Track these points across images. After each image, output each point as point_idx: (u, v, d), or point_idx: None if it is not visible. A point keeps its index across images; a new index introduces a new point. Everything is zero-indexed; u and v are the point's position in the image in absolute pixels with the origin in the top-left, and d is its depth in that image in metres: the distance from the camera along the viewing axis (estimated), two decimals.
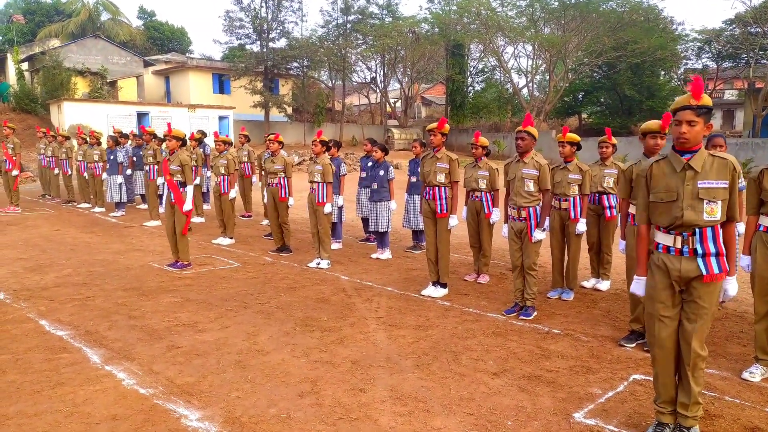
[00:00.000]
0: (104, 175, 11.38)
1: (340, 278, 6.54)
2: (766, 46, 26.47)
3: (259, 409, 3.30)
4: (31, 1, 40.19)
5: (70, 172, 13.10)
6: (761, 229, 3.88)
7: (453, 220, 5.76)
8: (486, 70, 38.48)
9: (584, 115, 35.80)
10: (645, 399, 3.48)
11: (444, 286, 5.89)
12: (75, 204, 12.73)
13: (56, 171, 13.24)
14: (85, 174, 12.01)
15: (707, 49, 30.71)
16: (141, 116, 24.67)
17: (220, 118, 27.12)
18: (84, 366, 3.88)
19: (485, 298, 5.77)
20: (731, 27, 28.51)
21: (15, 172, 11.52)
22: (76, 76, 26.98)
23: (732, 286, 2.96)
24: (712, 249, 2.84)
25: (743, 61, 28.87)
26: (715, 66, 31.09)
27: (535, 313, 5.14)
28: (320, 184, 6.97)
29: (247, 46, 31.37)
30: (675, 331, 2.95)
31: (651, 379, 3.77)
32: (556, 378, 3.79)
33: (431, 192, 5.77)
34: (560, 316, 5.18)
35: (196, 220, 10.35)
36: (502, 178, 5.54)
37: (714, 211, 2.82)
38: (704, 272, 2.84)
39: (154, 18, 43.93)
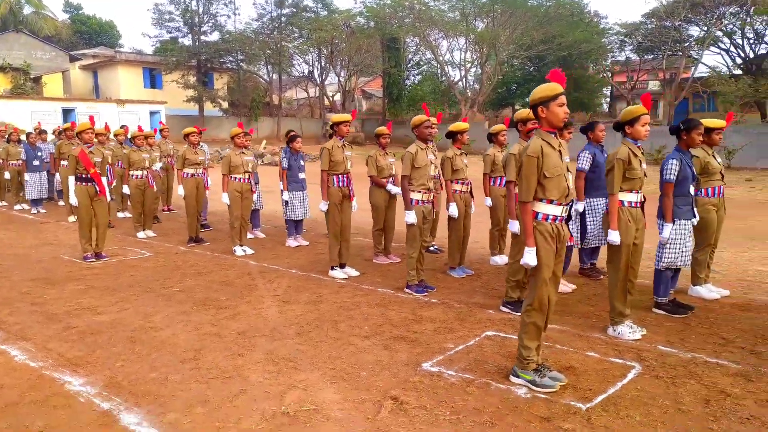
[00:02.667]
0: (27, 174, 11.16)
1: (249, 263, 6.86)
2: (678, 38, 28.20)
3: (141, 374, 3.62)
4: None
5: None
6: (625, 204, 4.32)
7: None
8: (422, 63, 39.21)
9: (517, 106, 37.07)
10: (489, 350, 3.99)
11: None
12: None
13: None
14: (7, 174, 11.66)
15: (628, 41, 32.39)
16: (67, 112, 24.02)
17: (151, 113, 26.69)
18: None
19: (380, 276, 6.23)
20: (649, 21, 30.19)
21: None
22: None
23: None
24: None
25: (660, 54, 30.63)
26: (638, 58, 32.85)
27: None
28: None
29: (179, 40, 30.89)
30: None
31: (501, 334, 4.34)
32: (419, 337, 4.27)
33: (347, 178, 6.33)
34: (443, 288, 5.68)
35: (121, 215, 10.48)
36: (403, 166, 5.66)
37: None
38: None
39: (80, 11, 42.59)
